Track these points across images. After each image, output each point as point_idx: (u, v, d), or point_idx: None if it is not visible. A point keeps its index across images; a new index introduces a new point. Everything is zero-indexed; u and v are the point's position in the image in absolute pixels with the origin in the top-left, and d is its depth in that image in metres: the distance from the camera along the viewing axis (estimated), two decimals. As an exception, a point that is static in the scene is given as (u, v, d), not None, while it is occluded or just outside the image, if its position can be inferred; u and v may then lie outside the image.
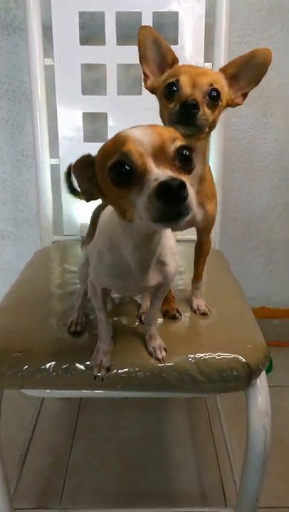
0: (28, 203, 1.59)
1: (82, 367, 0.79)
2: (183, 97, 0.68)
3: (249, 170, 1.56)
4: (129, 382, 0.79)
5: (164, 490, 1.17)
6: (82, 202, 0.66)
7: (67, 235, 1.34)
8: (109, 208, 0.70)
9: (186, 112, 0.68)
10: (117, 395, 0.85)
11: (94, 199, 0.63)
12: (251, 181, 1.58)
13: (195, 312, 0.93)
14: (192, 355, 0.80)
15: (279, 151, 1.53)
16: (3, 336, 0.86)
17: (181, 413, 1.42)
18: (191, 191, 0.48)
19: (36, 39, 1.17)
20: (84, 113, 1.25)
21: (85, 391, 0.86)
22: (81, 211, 1.30)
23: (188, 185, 0.48)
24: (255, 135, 1.50)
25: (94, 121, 1.36)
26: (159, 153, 0.51)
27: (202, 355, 0.80)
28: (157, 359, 0.79)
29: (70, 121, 1.25)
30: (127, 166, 0.50)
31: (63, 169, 1.26)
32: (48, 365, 0.79)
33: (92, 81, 1.33)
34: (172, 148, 0.51)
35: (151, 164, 0.50)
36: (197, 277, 0.95)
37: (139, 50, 0.77)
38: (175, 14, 1.17)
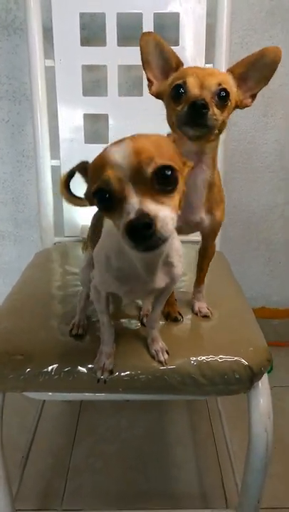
0: (28, 203, 1.58)
1: (84, 370, 0.79)
2: (191, 98, 0.67)
3: (249, 171, 1.55)
4: (131, 385, 0.79)
5: (165, 491, 1.17)
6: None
7: (68, 237, 1.34)
8: None
9: (195, 112, 0.66)
10: (119, 397, 0.85)
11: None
12: (251, 182, 1.58)
13: (196, 314, 0.93)
14: (194, 358, 0.80)
15: (279, 151, 1.53)
16: (5, 339, 0.86)
17: (181, 414, 1.42)
18: (166, 219, 0.50)
19: (37, 40, 1.17)
20: (85, 114, 1.25)
21: (87, 394, 0.86)
22: (82, 212, 1.30)
23: (161, 215, 0.50)
24: (256, 135, 1.50)
25: (95, 123, 1.36)
26: (137, 177, 0.51)
27: (204, 357, 0.80)
28: (159, 362, 0.79)
29: (71, 122, 1.25)
30: (107, 194, 0.52)
31: (64, 170, 1.26)
32: (50, 368, 0.79)
33: (93, 82, 1.33)
34: (149, 170, 0.51)
35: (129, 190, 0.51)
36: (200, 281, 0.95)
37: (142, 56, 0.76)
38: (176, 15, 1.17)
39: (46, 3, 1.16)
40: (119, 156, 0.51)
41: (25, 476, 1.12)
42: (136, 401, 1.40)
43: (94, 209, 0.85)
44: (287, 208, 1.63)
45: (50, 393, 0.86)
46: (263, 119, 1.47)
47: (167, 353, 0.81)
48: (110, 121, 1.25)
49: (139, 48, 1.14)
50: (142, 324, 0.89)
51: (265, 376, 0.84)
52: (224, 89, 0.69)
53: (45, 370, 0.79)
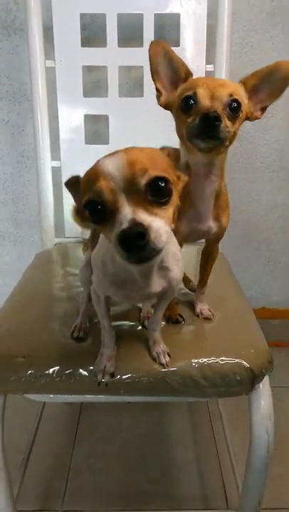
0: (28, 204, 1.59)
1: (85, 372, 0.79)
2: (202, 109, 0.66)
3: (249, 171, 1.56)
4: (132, 387, 0.79)
5: (166, 492, 1.17)
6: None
7: (68, 238, 1.34)
8: None
9: (207, 124, 0.65)
10: (120, 399, 0.85)
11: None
12: (251, 182, 1.58)
13: (198, 316, 0.93)
14: (195, 360, 0.80)
15: (279, 151, 1.53)
16: (7, 341, 0.86)
17: (182, 414, 1.42)
18: (160, 231, 0.50)
19: (37, 40, 1.17)
20: (85, 115, 1.25)
21: (88, 396, 0.86)
22: (82, 213, 1.30)
23: (155, 226, 0.49)
24: (256, 136, 1.50)
25: (95, 123, 1.36)
26: (131, 188, 0.51)
27: (205, 360, 0.80)
28: (161, 364, 0.79)
29: (71, 123, 1.25)
30: (99, 206, 0.51)
31: (64, 171, 1.27)
32: (51, 370, 0.79)
33: (94, 83, 1.33)
34: (143, 181, 0.51)
35: (122, 201, 0.50)
36: (203, 282, 0.95)
37: (151, 66, 0.74)
38: (176, 16, 1.17)
39: (46, 4, 1.15)
40: (113, 167, 0.51)
41: (26, 476, 1.12)
42: (137, 402, 1.40)
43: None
44: (288, 208, 1.63)
45: (51, 395, 0.86)
46: (263, 120, 1.43)
47: (168, 355, 0.81)
48: (111, 122, 1.25)
49: (139, 48, 1.16)
50: (143, 327, 0.89)
51: (266, 378, 0.84)
52: (236, 100, 0.67)
53: (47, 372, 0.79)
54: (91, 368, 0.79)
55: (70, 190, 0.61)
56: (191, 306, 0.97)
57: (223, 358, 0.81)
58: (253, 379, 0.80)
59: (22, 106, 1.42)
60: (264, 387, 0.84)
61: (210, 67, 1.19)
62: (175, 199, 0.55)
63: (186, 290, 1.03)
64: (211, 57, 1.19)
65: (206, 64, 1.20)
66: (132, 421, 1.39)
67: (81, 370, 0.79)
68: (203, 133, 0.66)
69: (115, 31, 1.18)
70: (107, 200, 0.51)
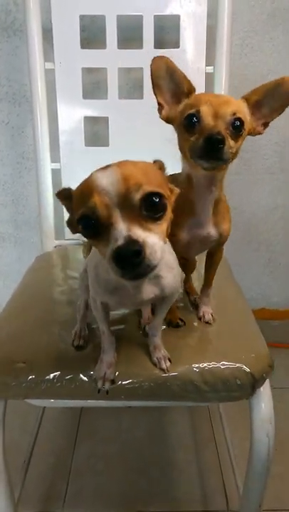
0: (28, 205, 1.58)
1: (86, 378, 0.79)
2: (205, 129, 0.65)
3: (249, 172, 1.55)
4: (133, 392, 0.79)
5: (166, 493, 1.18)
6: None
7: (68, 239, 1.33)
8: None
9: (211, 146, 0.64)
10: (120, 404, 0.85)
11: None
12: (252, 184, 1.58)
13: (200, 319, 0.93)
14: (196, 365, 0.80)
15: (280, 153, 1.53)
16: (7, 345, 0.86)
17: (183, 416, 1.43)
18: (154, 247, 0.50)
19: (36, 41, 1.17)
20: (85, 117, 1.24)
21: (88, 401, 0.86)
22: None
23: (150, 242, 0.49)
24: (256, 137, 1.49)
25: (95, 125, 1.35)
26: (125, 203, 0.50)
27: (206, 364, 0.80)
28: (161, 369, 0.79)
29: (71, 125, 1.25)
30: (93, 221, 0.51)
31: (64, 173, 1.27)
32: (52, 376, 0.79)
33: (93, 84, 1.33)
34: (138, 197, 0.50)
35: (117, 217, 0.50)
36: (207, 284, 0.94)
37: (152, 80, 0.73)
38: (176, 17, 1.16)
39: (46, 5, 1.15)
40: (107, 182, 0.50)
41: (27, 479, 1.12)
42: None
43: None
44: (288, 209, 1.63)
45: (51, 400, 0.86)
46: (263, 121, 1.46)
47: (169, 360, 0.80)
48: (110, 124, 1.24)
49: (138, 50, 1.16)
50: (144, 333, 0.89)
51: (267, 382, 0.85)
52: (239, 119, 0.67)
53: (47, 377, 0.79)
54: (91, 373, 0.79)
55: (62, 202, 0.60)
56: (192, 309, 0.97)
57: (224, 363, 0.81)
58: (253, 383, 0.80)
59: (22, 107, 1.42)
60: (265, 391, 0.84)
61: (210, 69, 1.19)
62: (169, 213, 0.55)
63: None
64: (210, 58, 1.19)
65: (206, 65, 1.19)
66: (132, 422, 1.40)
67: (82, 376, 0.79)
68: (206, 154, 0.66)
69: (115, 33, 1.17)
70: (101, 216, 0.50)
